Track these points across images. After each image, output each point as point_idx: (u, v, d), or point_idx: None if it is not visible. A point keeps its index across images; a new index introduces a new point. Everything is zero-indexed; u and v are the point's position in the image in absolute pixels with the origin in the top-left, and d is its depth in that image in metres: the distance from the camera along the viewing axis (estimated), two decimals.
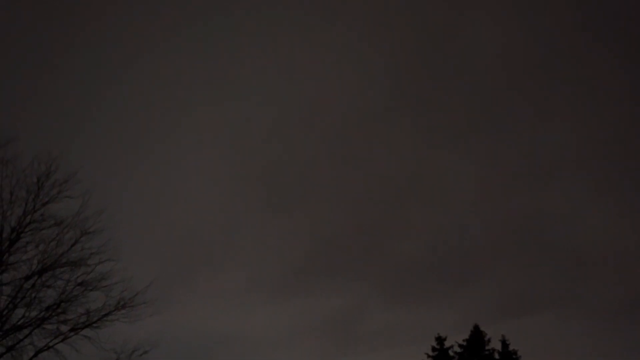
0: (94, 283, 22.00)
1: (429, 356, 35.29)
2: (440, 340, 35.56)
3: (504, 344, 34.72)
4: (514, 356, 34.30)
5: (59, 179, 21.89)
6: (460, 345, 35.17)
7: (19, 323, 21.08)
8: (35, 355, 21.37)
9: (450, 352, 35.23)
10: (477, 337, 35.17)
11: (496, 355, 34.55)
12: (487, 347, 34.81)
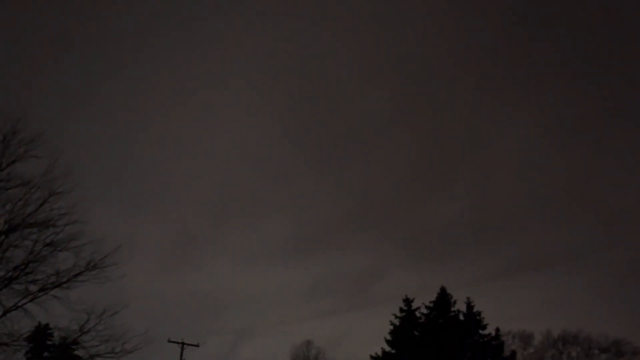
0: (63, 244, 21.93)
1: (396, 317, 36.13)
2: (407, 301, 36.37)
3: (469, 305, 35.70)
4: (477, 317, 35.36)
5: (25, 138, 21.52)
6: (427, 307, 36.05)
7: None
8: (4, 314, 21.33)
9: (417, 314, 36.12)
10: (443, 299, 36.07)
11: (461, 317, 35.56)
12: (452, 309, 35.75)
